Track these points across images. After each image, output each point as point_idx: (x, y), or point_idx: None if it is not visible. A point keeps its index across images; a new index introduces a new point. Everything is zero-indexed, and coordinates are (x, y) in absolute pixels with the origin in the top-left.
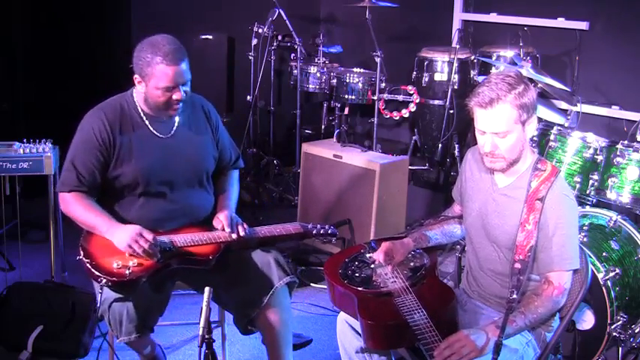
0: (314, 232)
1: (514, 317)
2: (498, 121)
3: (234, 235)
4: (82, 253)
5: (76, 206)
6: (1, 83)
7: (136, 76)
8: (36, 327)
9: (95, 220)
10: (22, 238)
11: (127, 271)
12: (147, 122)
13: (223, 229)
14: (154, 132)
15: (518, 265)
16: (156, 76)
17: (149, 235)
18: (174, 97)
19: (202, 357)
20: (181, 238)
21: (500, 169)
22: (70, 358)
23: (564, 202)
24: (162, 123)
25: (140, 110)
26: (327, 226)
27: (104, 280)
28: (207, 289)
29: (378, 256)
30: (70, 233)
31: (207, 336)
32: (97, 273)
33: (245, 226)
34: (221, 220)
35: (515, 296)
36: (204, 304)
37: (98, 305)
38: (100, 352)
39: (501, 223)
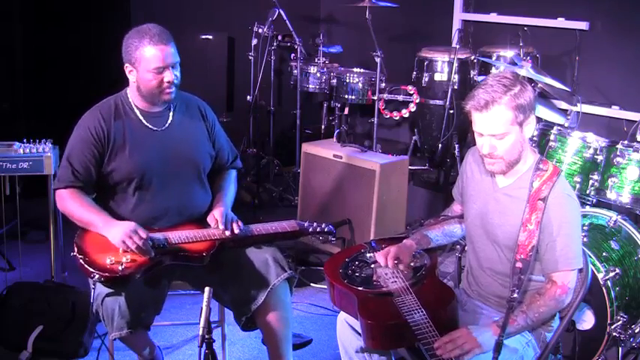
0: (310, 229)
1: (515, 316)
2: (495, 124)
3: (227, 233)
4: (76, 249)
5: (71, 203)
6: (1, 83)
7: (126, 65)
8: (36, 327)
9: (90, 216)
10: (22, 238)
11: (120, 267)
12: (140, 117)
13: (217, 227)
14: (148, 125)
15: (519, 265)
16: (145, 58)
17: (143, 233)
18: (166, 79)
19: (202, 357)
20: (175, 235)
21: (499, 171)
22: (70, 358)
23: (567, 202)
24: (156, 118)
25: (134, 106)
26: (324, 224)
27: (97, 276)
28: (207, 289)
29: (388, 261)
30: (70, 233)
31: (207, 336)
32: (90, 269)
33: (240, 223)
34: (215, 217)
35: (516, 295)
36: (204, 304)
37: (92, 301)
38: (100, 352)
39: (502, 222)
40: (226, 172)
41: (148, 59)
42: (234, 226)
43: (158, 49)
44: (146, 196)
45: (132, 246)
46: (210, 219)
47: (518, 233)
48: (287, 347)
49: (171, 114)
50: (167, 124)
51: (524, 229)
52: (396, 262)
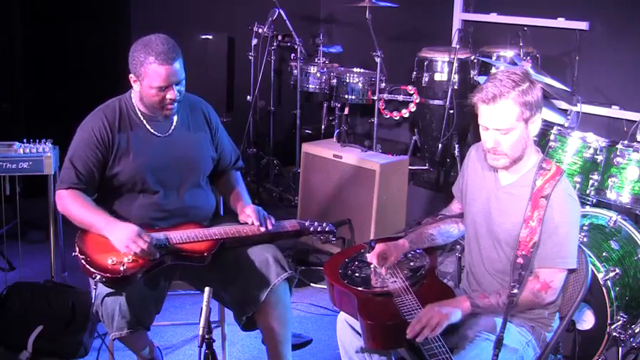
0: (311, 229)
1: (489, 295)
2: (501, 118)
3: (262, 229)
4: (77, 249)
5: (72, 203)
6: (1, 83)
7: (131, 75)
8: (36, 327)
9: (92, 217)
10: (22, 238)
11: (122, 267)
12: (144, 122)
13: (252, 224)
14: (152, 131)
15: (520, 260)
16: (149, 75)
17: (147, 237)
18: (168, 96)
19: (202, 357)
20: (177, 235)
21: (502, 167)
22: (69, 358)
23: (568, 202)
24: (159, 122)
25: (138, 110)
26: (324, 223)
27: (98, 277)
28: (207, 289)
29: (372, 258)
30: (70, 233)
31: (207, 336)
32: (91, 269)
33: (272, 219)
34: (249, 214)
35: (516, 291)
36: (204, 304)
37: (93, 301)
38: (100, 352)
39: (503, 220)
40: (232, 173)
41: (152, 77)
42: (268, 222)
43: (163, 68)
44: (148, 198)
45: (136, 249)
46: (243, 217)
47: (520, 230)
48: (286, 347)
49: (175, 118)
50: (171, 130)
51: (526, 225)
52: (382, 260)
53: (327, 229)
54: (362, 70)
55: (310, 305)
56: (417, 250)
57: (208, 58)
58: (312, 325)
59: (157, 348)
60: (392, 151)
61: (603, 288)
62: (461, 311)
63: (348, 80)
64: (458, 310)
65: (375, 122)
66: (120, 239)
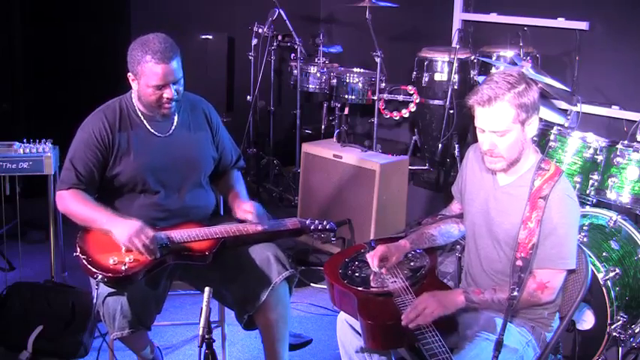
0: (312, 227)
1: (484, 290)
2: (496, 120)
3: (260, 227)
4: (78, 249)
5: (73, 202)
6: (1, 83)
7: (129, 74)
8: (36, 327)
9: (94, 213)
10: (22, 238)
11: (123, 267)
12: (145, 122)
13: (251, 221)
14: (152, 131)
15: (519, 263)
16: (146, 74)
17: (150, 232)
18: (165, 95)
19: (202, 357)
20: (178, 234)
21: (500, 169)
22: (69, 358)
23: (567, 203)
24: (160, 122)
25: (138, 110)
26: (325, 221)
27: (100, 277)
28: (207, 289)
29: (373, 260)
30: (70, 233)
31: (207, 336)
32: (93, 269)
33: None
34: (248, 210)
35: (516, 294)
36: (204, 304)
37: (94, 301)
38: (100, 352)
39: (502, 220)
40: (233, 173)
41: (149, 76)
42: (266, 220)
43: (159, 67)
44: (149, 198)
45: (138, 244)
46: (242, 213)
47: (519, 231)
48: (283, 346)
49: (175, 118)
50: (171, 130)
51: (525, 227)
52: (382, 262)
53: (327, 226)
54: (362, 70)
55: (310, 305)
56: (417, 250)
57: (208, 58)
58: (312, 325)
59: (157, 348)
60: (392, 151)
61: (603, 288)
62: (455, 305)
63: (348, 80)
64: (452, 304)
65: (375, 122)
66: (122, 234)
